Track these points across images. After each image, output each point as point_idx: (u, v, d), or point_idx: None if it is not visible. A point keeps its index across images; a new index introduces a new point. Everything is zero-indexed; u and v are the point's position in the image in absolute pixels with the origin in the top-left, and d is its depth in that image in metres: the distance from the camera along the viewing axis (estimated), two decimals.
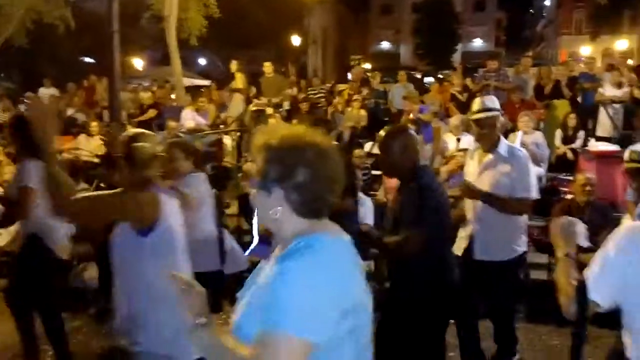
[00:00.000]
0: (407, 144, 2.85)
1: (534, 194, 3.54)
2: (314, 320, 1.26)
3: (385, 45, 49.76)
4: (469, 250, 3.62)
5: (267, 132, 1.45)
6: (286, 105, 11.67)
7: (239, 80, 10.35)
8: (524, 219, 3.71)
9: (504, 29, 50.73)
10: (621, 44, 24.94)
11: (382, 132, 2.96)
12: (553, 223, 1.98)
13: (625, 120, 8.61)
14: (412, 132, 2.98)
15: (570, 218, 2.00)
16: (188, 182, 3.55)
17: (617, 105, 8.60)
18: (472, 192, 3.49)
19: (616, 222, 5.20)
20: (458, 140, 7.91)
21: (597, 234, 4.91)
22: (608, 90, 8.73)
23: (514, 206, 3.51)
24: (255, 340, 1.30)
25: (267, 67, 11.00)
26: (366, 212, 5.09)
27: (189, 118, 9.21)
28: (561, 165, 7.85)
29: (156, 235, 2.34)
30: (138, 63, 25.12)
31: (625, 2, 19.34)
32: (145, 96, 12.18)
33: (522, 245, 3.66)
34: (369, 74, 16.25)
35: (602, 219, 5.05)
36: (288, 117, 10.87)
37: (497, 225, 3.51)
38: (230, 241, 4.17)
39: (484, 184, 3.51)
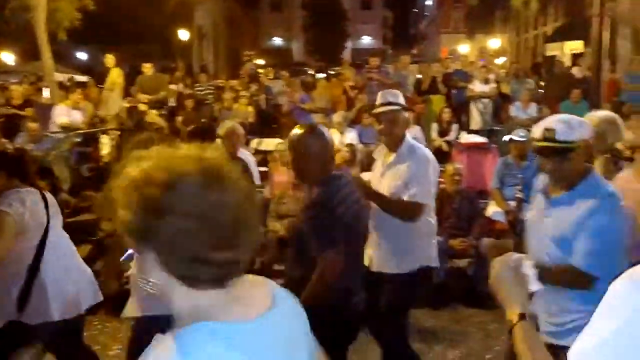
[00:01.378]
0: (315, 147, 2.52)
1: (425, 198, 3.17)
2: None
3: (277, 41, 49.86)
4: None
5: (136, 162, 1.02)
6: (172, 101, 11.29)
7: (116, 76, 9.81)
8: (430, 229, 3.35)
9: (391, 27, 52.87)
10: (494, 42, 26.89)
11: (293, 131, 2.62)
12: (493, 268, 1.45)
13: (494, 113, 9.28)
14: (326, 133, 2.61)
15: (516, 256, 1.47)
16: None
17: (485, 100, 9.24)
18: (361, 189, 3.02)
19: (483, 209, 5.64)
20: (341, 135, 8.11)
21: (467, 221, 5.32)
22: (477, 87, 9.35)
23: (400, 209, 3.15)
24: None
25: (147, 67, 10.80)
26: None
27: (62, 114, 8.58)
28: (437, 157, 8.22)
29: None
30: (7, 57, 23.02)
31: (497, 3, 20.85)
32: (16, 93, 11.19)
33: (423, 258, 3.27)
34: (261, 70, 16.20)
35: (470, 206, 5.42)
36: (172, 114, 10.53)
37: (395, 233, 3.18)
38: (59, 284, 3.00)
39: (384, 186, 3.23)
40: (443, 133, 8.73)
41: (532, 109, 8.80)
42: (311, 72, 24.64)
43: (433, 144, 8.62)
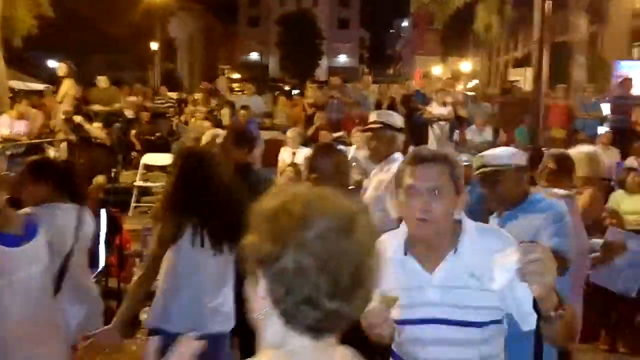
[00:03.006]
0: (339, 164, 2.74)
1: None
2: None
3: (254, 56, 49.89)
4: None
5: (274, 195, 1.03)
6: (129, 114, 11.02)
7: (67, 87, 9.53)
8: None
9: (367, 47, 53.41)
10: (465, 65, 27.25)
11: (311, 150, 2.84)
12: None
13: (450, 135, 9.24)
14: (343, 151, 2.87)
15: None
16: None
17: (442, 123, 9.20)
18: None
19: None
20: (294, 154, 7.93)
21: None
22: (435, 109, 9.32)
23: None
24: None
25: (101, 80, 10.72)
26: None
27: (4, 125, 8.25)
28: None
29: None
30: None
31: (468, 27, 21.20)
32: None
33: None
34: (236, 84, 16.04)
35: None
36: (127, 127, 10.26)
37: None
38: None
39: (367, 195, 3.33)
40: None
41: (488, 132, 8.77)
42: (287, 88, 24.68)
43: None
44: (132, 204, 7.71)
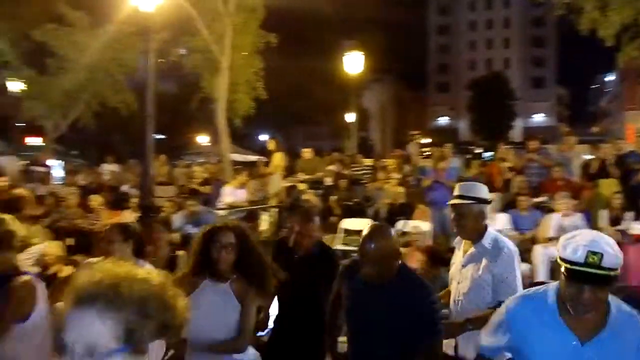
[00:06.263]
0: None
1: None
2: None
3: (443, 120, 50.09)
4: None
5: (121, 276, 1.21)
6: (328, 181, 11.83)
7: (278, 160, 10.68)
8: None
9: (566, 105, 50.01)
10: None
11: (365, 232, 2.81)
12: None
13: None
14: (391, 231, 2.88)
15: None
16: None
17: None
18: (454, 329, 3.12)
19: None
20: (491, 219, 7.69)
21: None
22: None
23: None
24: None
25: (306, 152, 11.84)
26: None
27: (228, 194, 9.50)
28: None
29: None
30: (202, 139, 26.53)
31: None
32: (198, 172, 12.74)
33: None
34: (427, 149, 16.33)
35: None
36: (327, 193, 10.99)
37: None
38: None
39: (465, 276, 3.23)
40: (614, 221, 7.79)
41: None
42: (477, 151, 24.20)
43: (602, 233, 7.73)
44: None
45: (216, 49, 13.32)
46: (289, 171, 11.80)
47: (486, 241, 3.18)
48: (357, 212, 9.98)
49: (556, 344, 2.03)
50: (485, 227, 3.23)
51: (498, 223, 7.50)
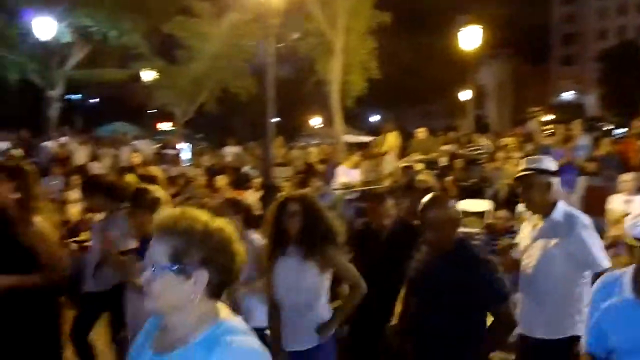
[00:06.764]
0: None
1: (605, 262, 3.06)
2: None
3: (567, 95, 46.67)
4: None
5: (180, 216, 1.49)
6: (443, 161, 11.62)
7: (392, 140, 10.66)
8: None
9: None
10: None
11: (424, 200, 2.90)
12: None
13: None
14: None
15: None
16: None
17: None
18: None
19: None
20: (627, 201, 7.08)
21: None
22: None
23: None
24: None
25: (420, 132, 11.67)
26: None
27: (342, 174, 9.69)
28: None
29: None
30: (315, 121, 27.15)
31: None
32: (314, 153, 13.12)
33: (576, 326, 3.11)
34: (549, 126, 15.30)
35: None
36: (442, 174, 10.79)
37: (556, 298, 3.16)
38: None
39: (535, 252, 3.22)
40: None
41: None
42: (608, 127, 22.33)
43: None
44: None
45: (330, 32, 13.49)
46: (402, 151, 11.74)
47: (557, 215, 3.17)
48: (474, 193, 9.69)
49: (636, 324, 2.09)
50: (555, 201, 3.22)
51: (636, 206, 6.88)
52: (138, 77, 18.71)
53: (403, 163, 9.87)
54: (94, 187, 4.17)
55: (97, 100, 28.69)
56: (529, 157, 3.43)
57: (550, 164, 3.32)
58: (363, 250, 3.86)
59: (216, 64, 16.84)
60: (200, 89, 17.77)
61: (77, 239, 5.75)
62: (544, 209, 3.21)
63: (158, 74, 18.02)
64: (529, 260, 3.24)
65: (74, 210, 8.41)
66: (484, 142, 13.40)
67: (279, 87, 7.59)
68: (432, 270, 2.87)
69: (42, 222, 3.15)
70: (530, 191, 3.22)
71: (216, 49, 16.25)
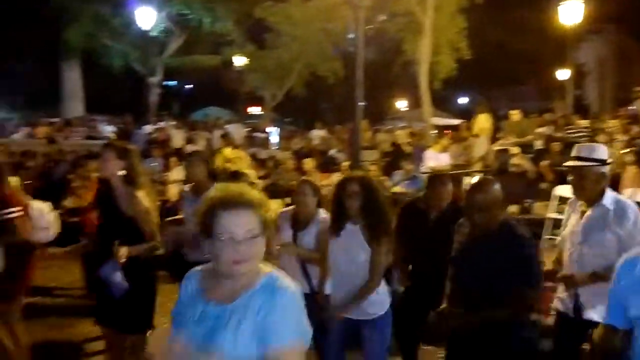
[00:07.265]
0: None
1: None
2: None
3: None
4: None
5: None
6: (538, 144, 11.09)
7: (483, 122, 10.29)
8: None
9: None
10: None
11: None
12: None
13: None
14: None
15: None
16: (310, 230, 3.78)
17: None
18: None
19: None
20: None
21: None
22: None
23: None
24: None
25: (514, 114, 11.21)
26: None
27: (430, 158, 9.52)
28: None
29: None
30: (401, 104, 26.78)
31: None
32: (401, 136, 12.99)
33: None
34: None
35: None
36: (537, 157, 10.31)
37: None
38: None
39: (586, 239, 3.23)
40: None
41: None
42: None
43: None
44: (545, 236, 7.67)
45: (419, 11, 13.18)
46: (494, 134, 11.33)
47: (607, 202, 3.18)
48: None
49: None
50: (604, 189, 3.22)
51: None
52: (230, 63, 19.33)
53: (497, 146, 9.54)
54: (197, 159, 4.42)
55: (192, 86, 29.92)
56: (582, 145, 3.36)
57: (603, 152, 3.28)
58: (409, 228, 4.07)
59: (304, 47, 17.04)
60: (288, 72, 18.06)
61: (175, 217, 6.09)
62: (594, 197, 3.22)
63: (248, 59, 18.52)
64: (581, 247, 3.25)
65: (173, 191, 8.93)
66: (583, 124, 12.64)
67: (366, 69, 7.57)
68: (475, 250, 2.95)
69: (145, 197, 3.53)
70: (584, 181, 3.21)
71: (304, 33, 16.42)
